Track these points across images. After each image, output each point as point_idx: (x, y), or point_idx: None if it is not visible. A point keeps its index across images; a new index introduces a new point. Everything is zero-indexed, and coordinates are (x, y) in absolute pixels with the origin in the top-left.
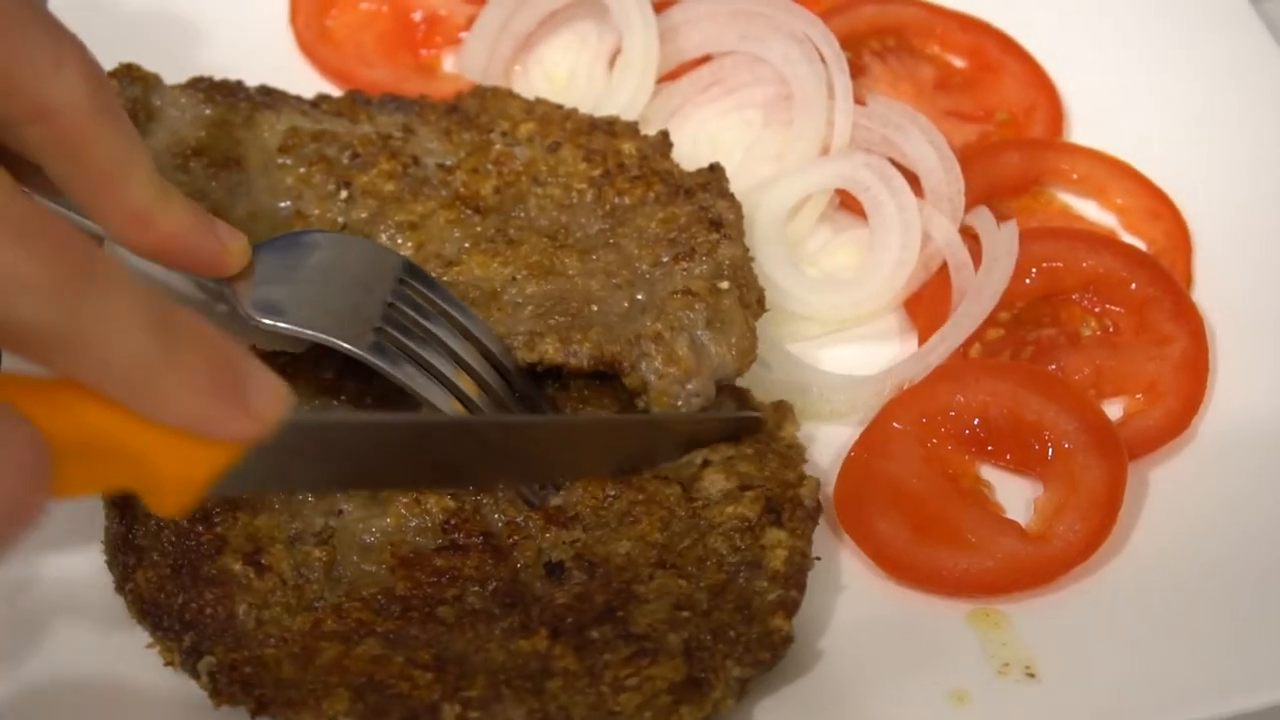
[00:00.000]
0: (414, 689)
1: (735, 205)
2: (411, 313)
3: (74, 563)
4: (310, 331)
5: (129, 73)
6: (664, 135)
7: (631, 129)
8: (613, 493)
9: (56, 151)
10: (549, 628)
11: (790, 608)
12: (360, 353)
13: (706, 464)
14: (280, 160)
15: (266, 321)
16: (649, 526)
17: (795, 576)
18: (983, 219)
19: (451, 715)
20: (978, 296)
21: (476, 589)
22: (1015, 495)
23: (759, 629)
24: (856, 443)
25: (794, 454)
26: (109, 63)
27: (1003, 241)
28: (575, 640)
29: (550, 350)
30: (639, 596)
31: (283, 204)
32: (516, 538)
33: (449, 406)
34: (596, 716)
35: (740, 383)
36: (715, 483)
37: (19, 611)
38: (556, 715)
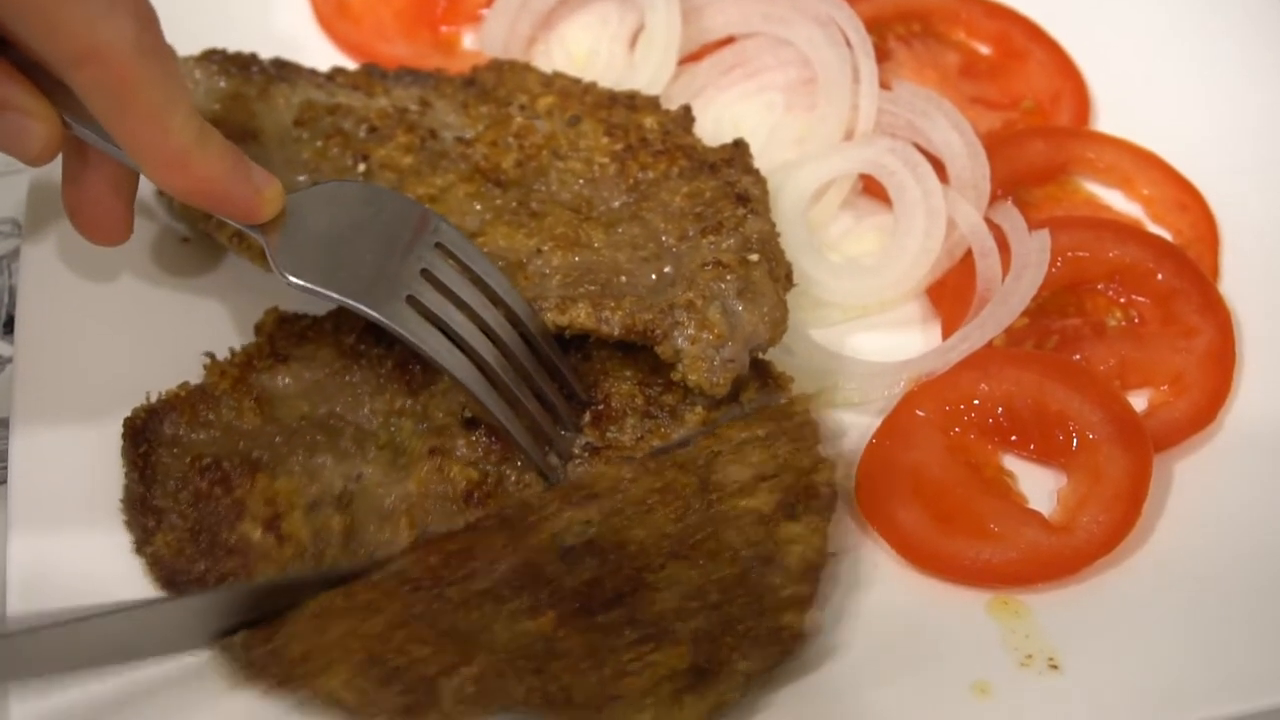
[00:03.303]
0: (413, 663)
1: (760, 180)
2: (444, 280)
3: (94, 519)
4: (338, 296)
5: None
6: (686, 110)
7: (652, 103)
8: (630, 475)
9: (101, 92)
10: (557, 610)
11: (803, 604)
12: (388, 322)
13: (719, 453)
14: (296, 134)
15: (296, 281)
16: (664, 517)
17: (809, 573)
18: (1012, 220)
19: (450, 690)
20: (1004, 300)
21: (487, 569)
22: (1038, 486)
23: (770, 624)
24: (878, 431)
25: (809, 433)
26: None
27: (1034, 250)
28: (582, 624)
29: (582, 315)
30: (650, 585)
31: (300, 178)
32: (533, 518)
33: (473, 378)
34: (597, 699)
35: None
36: (731, 473)
37: (38, 565)
38: (557, 695)
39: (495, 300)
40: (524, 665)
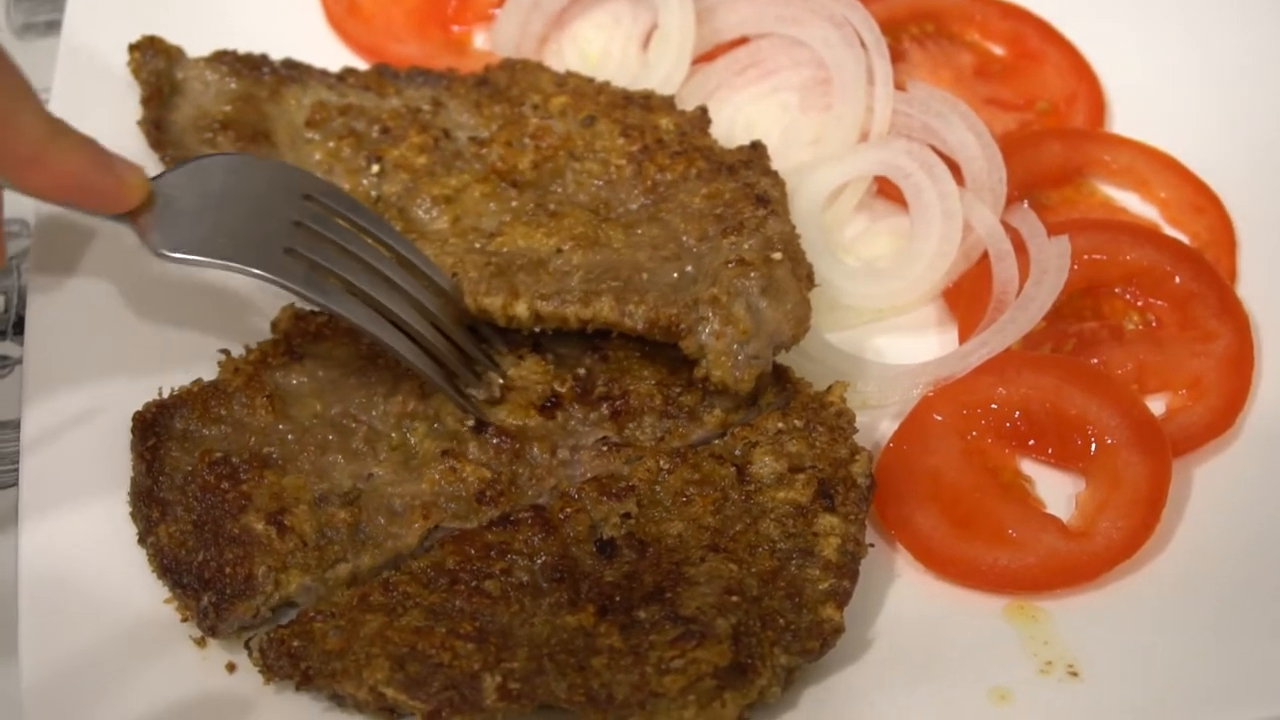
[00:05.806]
0: (455, 659)
1: (779, 182)
2: (319, 229)
3: (99, 510)
4: (217, 261)
5: (152, 45)
6: (702, 110)
7: (668, 103)
8: (666, 466)
9: None
10: (596, 605)
11: (842, 598)
12: (268, 275)
13: (755, 444)
14: (308, 135)
15: (172, 255)
16: (702, 509)
17: (847, 565)
18: (1029, 223)
19: (492, 685)
20: (1025, 306)
21: (525, 563)
22: (1056, 490)
23: (809, 618)
24: (896, 434)
25: (844, 423)
26: (134, 34)
27: (1054, 255)
28: (622, 619)
29: (606, 309)
30: (689, 579)
31: None
32: (569, 510)
33: (365, 316)
34: (639, 696)
35: None
36: (766, 464)
37: (49, 567)
38: (599, 692)
39: (403, 262)
40: (565, 661)
